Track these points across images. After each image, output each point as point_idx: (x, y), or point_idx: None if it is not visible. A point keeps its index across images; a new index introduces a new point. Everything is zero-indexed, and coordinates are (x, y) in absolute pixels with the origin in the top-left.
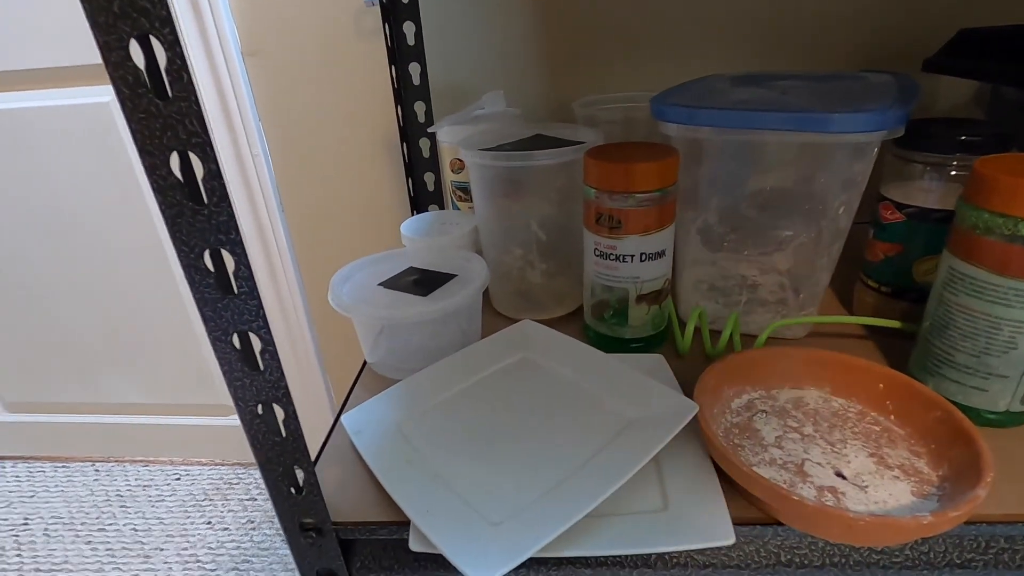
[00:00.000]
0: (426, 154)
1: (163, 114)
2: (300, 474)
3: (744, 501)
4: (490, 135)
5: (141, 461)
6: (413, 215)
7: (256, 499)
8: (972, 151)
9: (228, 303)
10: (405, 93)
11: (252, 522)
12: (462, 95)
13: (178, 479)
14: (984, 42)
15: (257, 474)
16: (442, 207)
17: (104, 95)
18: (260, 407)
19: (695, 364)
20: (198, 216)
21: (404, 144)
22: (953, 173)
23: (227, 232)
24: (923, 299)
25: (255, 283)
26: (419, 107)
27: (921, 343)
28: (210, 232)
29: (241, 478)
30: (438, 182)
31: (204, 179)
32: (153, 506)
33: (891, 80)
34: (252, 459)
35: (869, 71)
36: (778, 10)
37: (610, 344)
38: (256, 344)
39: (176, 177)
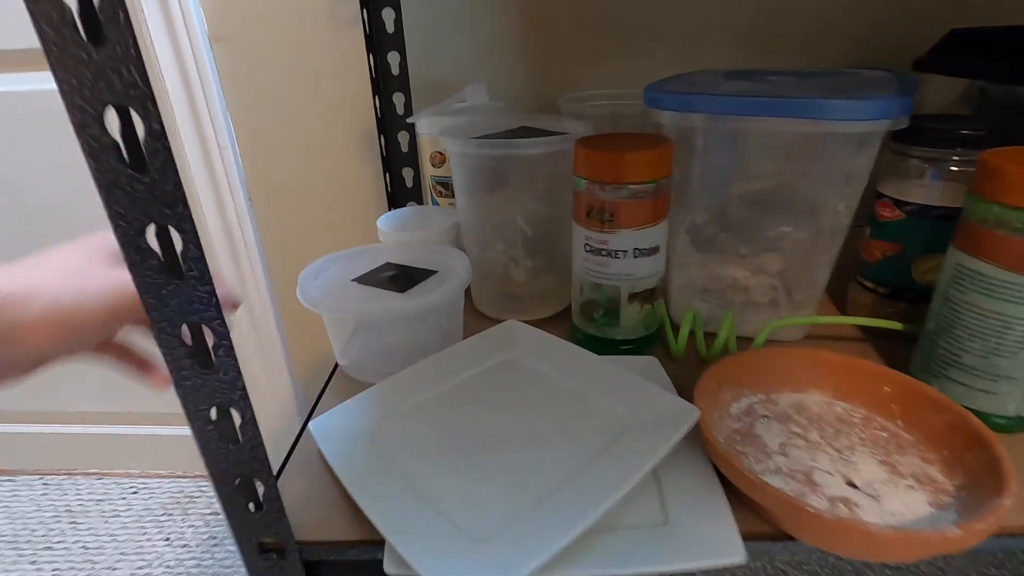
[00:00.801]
0: (405, 148)
1: (95, 60)
2: (260, 487)
3: (749, 513)
4: (473, 126)
5: (95, 474)
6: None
7: (219, 514)
8: (973, 146)
9: (175, 289)
10: (383, 84)
11: (214, 538)
12: (443, 88)
13: (135, 493)
14: (974, 42)
15: None
16: (421, 204)
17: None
18: (214, 411)
19: (688, 367)
20: (138, 184)
21: (382, 137)
22: (953, 169)
23: (173, 205)
24: (922, 299)
25: (207, 266)
26: (398, 99)
27: (924, 344)
28: (152, 204)
29: (203, 491)
30: (417, 178)
31: (146, 140)
32: (106, 522)
33: (887, 75)
34: None
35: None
36: (766, 9)
37: (600, 346)
38: (209, 338)
39: (111, 137)
